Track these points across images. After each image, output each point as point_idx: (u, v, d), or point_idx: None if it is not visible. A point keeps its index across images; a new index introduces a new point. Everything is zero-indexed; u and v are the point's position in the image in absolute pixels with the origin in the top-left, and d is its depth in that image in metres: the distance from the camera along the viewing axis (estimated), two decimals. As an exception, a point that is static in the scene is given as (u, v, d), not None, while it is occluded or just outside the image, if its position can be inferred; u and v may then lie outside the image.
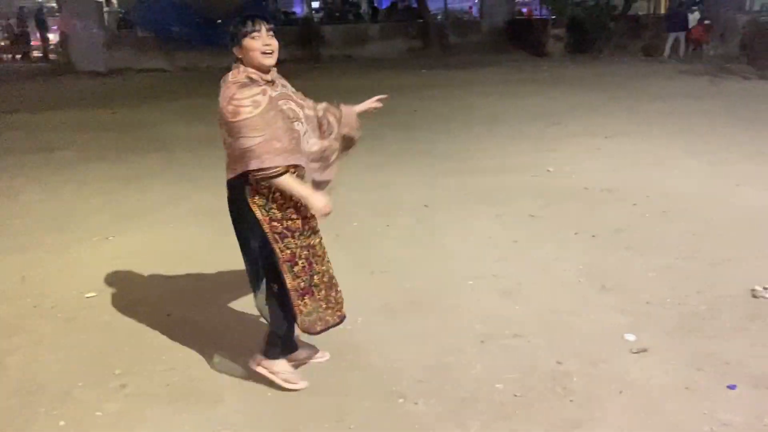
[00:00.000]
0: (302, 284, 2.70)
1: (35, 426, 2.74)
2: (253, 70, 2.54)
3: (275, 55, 2.57)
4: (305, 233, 2.68)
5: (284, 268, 2.65)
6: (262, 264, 2.71)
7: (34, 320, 3.68)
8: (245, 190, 2.57)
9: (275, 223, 2.60)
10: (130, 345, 3.37)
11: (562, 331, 3.38)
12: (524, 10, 26.30)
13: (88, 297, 3.95)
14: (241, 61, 2.56)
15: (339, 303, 2.87)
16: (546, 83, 13.45)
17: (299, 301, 2.72)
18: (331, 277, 2.85)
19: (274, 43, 2.57)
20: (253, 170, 2.47)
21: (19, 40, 21.98)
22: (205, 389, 2.95)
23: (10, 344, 3.40)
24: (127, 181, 6.68)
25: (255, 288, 2.81)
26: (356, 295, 3.85)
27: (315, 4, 23.64)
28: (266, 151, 2.43)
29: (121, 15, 21.44)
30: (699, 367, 2.99)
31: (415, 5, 21.90)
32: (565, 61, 17.71)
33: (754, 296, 3.67)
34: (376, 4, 25.64)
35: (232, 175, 2.58)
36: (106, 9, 20.73)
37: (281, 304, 2.76)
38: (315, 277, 2.74)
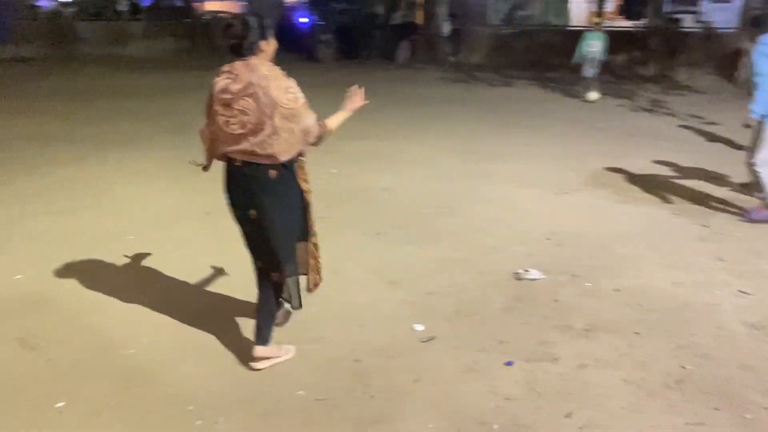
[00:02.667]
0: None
1: None
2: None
3: None
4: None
5: (315, 230, 3.13)
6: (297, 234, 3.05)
7: None
8: (294, 169, 2.92)
9: (310, 194, 3.04)
10: None
11: (358, 328, 3.47)
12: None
13: None
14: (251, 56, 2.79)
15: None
16: (319, 88, 13.72)
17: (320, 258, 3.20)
18: None
19: None
20: (318, 136, 2.93)
21: None
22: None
23: None
24: None
25: (286, 262, 2.99)
26: (140, 312, 3.58)
27: (65, -2, 21.49)
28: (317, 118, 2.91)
29: None
30: (480, 348, 3.27)
31: (180, 4, 21.00)
32: (335, 67, 18.29)
33: (518, 279, 4.11)
34: (137, 1, 24.07)
35: (287, 157, 2.83)
36: None
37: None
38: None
